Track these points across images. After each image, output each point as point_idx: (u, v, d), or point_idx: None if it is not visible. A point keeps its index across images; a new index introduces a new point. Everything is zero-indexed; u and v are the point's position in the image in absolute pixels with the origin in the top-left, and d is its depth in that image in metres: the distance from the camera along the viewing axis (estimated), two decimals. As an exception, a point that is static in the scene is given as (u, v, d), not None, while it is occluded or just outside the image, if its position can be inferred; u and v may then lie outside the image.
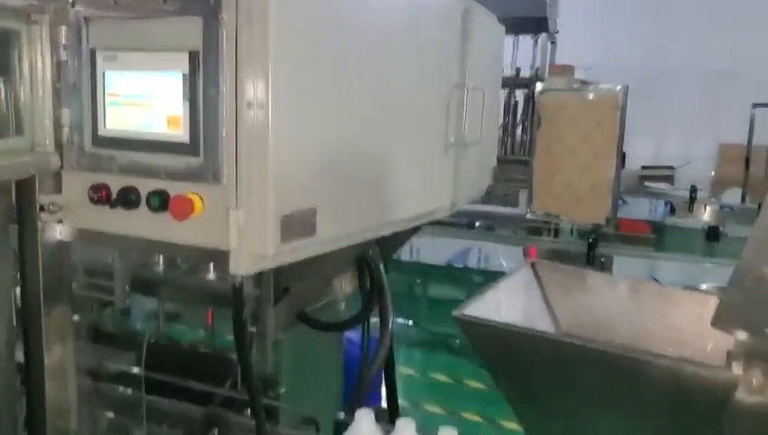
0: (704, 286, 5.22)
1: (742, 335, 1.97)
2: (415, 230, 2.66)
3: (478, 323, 2.21)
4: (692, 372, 1.97)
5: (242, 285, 1.59)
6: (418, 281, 8.54)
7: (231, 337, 1.86)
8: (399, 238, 2.66)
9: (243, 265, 1.38)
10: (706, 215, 8.32)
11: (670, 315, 2.54)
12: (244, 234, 1.35)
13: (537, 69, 9.03)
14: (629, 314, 2.61)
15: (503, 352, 2.20)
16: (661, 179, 9.95)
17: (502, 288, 2.56)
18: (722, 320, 2.01)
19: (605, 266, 5.53)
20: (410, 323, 6.80)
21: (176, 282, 2.56)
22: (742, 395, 1.93)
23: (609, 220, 6.98)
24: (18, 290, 1.70)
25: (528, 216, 7.94)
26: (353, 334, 3.04)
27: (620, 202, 8.14)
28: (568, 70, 7.19)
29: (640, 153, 10.14)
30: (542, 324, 2.55)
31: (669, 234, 9.13)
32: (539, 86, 6.79)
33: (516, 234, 7.85)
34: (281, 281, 2.48)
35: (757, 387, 1.93)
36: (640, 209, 9.20)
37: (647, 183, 9.60)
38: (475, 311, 2.28)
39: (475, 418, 4.81)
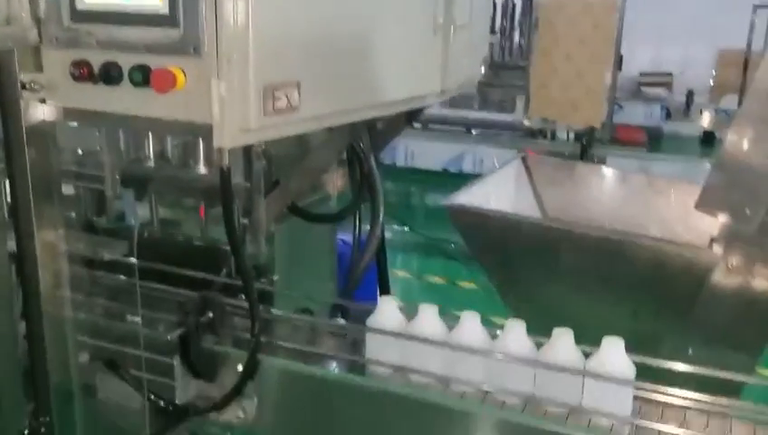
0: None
1: (724, 217, 2.01)
2: (406, 123, 2.65)
3: (468, 212, 2.25)
4: (674, 252, 2.02)
5: (230, 170, 1.60)
6: (413, 188, 8.56)
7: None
8: (390, 130, 2.66)
9: (226, 138, 1.38)
10: (703, 120, 8.27)
11: (657, 204, 2.58)
12: (227, 105, 1.35)
13: (536, -28, 8.79)
14: (616, 202, 2.64)
15: (491, 239, 2.25)
16: (659, 85, 9.84)
17: (492, 180, 2.59)
18: (705, 202, 2.05)
19: (598, 168, 5.54)
20: (406, 229, 6.87)
21: (166, 176, 2.56)
22: (720, 275, 1.98)
23: (605, 125, 6.97)
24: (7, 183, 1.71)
25: (525, 122, 7.94)
26: (347, 236, 3.07)
27: (616, 107, 8.10)
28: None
29: (639, 59, 9.97)
30: (530, 213, 2.59)
31: (665, 140, 9.12)
32: (537, -11, 6.64)
33: (513, 139, 7.84)
34: (271, 174, 2.49)
35: (735, 268, 1.98)
36: (636, 114, 9.12)
37: (644, 89, 9.51)
38: (465, 200, 2.32)
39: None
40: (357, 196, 2.40)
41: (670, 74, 10.16)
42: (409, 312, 1.94)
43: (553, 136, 7.81)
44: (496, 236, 2.22)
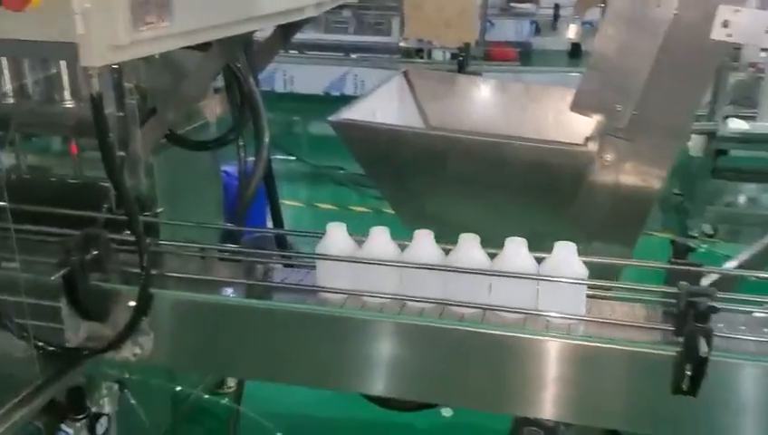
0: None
1: (597, 116, 2.10)
2: (282, 42, 2.58)
3: (355, 126, 2.23)
4: (554, 152, 2.10)
5: (101, 96, 1.50)
6: (297, 117, 8.43)
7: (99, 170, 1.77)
8: (266, 51, 2.59)
9: (95, 56, 1.28)
10: (569, 32, 8.58)
11: (534, 110, 2.66)
12: (92, 19, 1.25)
13: None
14: (496, 111, 2.71)
15: (379, 152, 2.25)
16: (527, 1, 10.11)
17: (376, 96, 2.58)
18: (579, 104, 2.13)
19: (475, 83, 5.65)
20: (292, 158, 6.78)
21: (30, 113, 2.40)
22: (596, 171, 2.08)
23: (479, 42, 7.11)
24: None
25: (401, 43, 7.98)
26: (232, 168, 2.99)
27: (488, 24, 8.26)
28: None
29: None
30: (415, 125, 2.61)
31: (535, 54, 9.46)
32: None
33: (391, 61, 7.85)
34: (146, 102, 2.38)
35: (610, 162, 2.09)
36: (507, 31, 9.34)
37: (513, 4, 9.73)
38: (350, 116, 2.30)
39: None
40: (238, 118, 2.34)
41: (540, -12, 10.45)
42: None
43: (430, 55, 7.89)
44: (384, 149, 2.23)
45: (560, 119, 2.56)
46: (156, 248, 1.98)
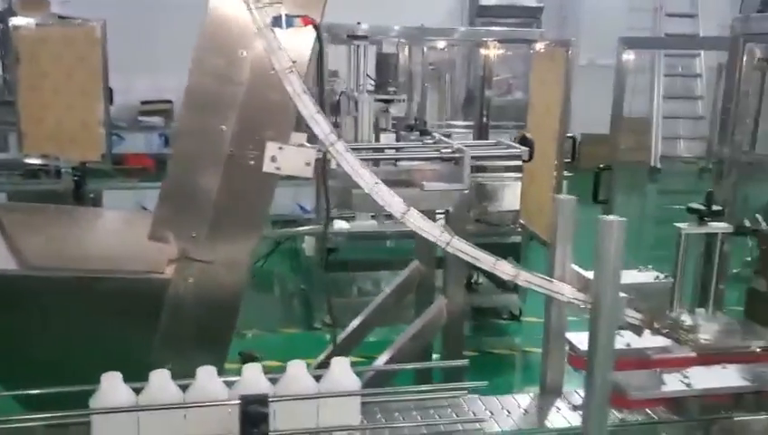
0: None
1: (175, 242, 2.30)
2: None
3: None
4: (135, 280, 2.24)
5: None
6: None
7: None
8: None
9: None
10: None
11: (131, 236, 2.78)
12: None
13: (11, 1, 8.34)
14: (95, 240, 2.78)
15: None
16: (161, 113, 10.33)
17: (-45, 236, 2.47)
18: (157, 233, 2.30)
19: (96, 202, 5.60)
20: None
21: None
22: (179, 291, 2.26)
23: (106, 157, 7.04)
24: None
25: (25, 160, 7.49)
26: None
27: (118, 138, 8.26)
28: (42, 4, 6.86)
29: (140, 88, 10.28)
30: (7, 265, 2.54)
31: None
32: (14, 21, 6.37)
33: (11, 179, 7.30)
34: None
35: (191, 283, 2.29)
36: (138, 143, 9.43)
37: (141, 118, 9.88)
38: None
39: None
40: None
41: (170, 101, 10.71)
42: None
43: (59, 174, 7.50)
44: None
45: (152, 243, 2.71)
46: None
